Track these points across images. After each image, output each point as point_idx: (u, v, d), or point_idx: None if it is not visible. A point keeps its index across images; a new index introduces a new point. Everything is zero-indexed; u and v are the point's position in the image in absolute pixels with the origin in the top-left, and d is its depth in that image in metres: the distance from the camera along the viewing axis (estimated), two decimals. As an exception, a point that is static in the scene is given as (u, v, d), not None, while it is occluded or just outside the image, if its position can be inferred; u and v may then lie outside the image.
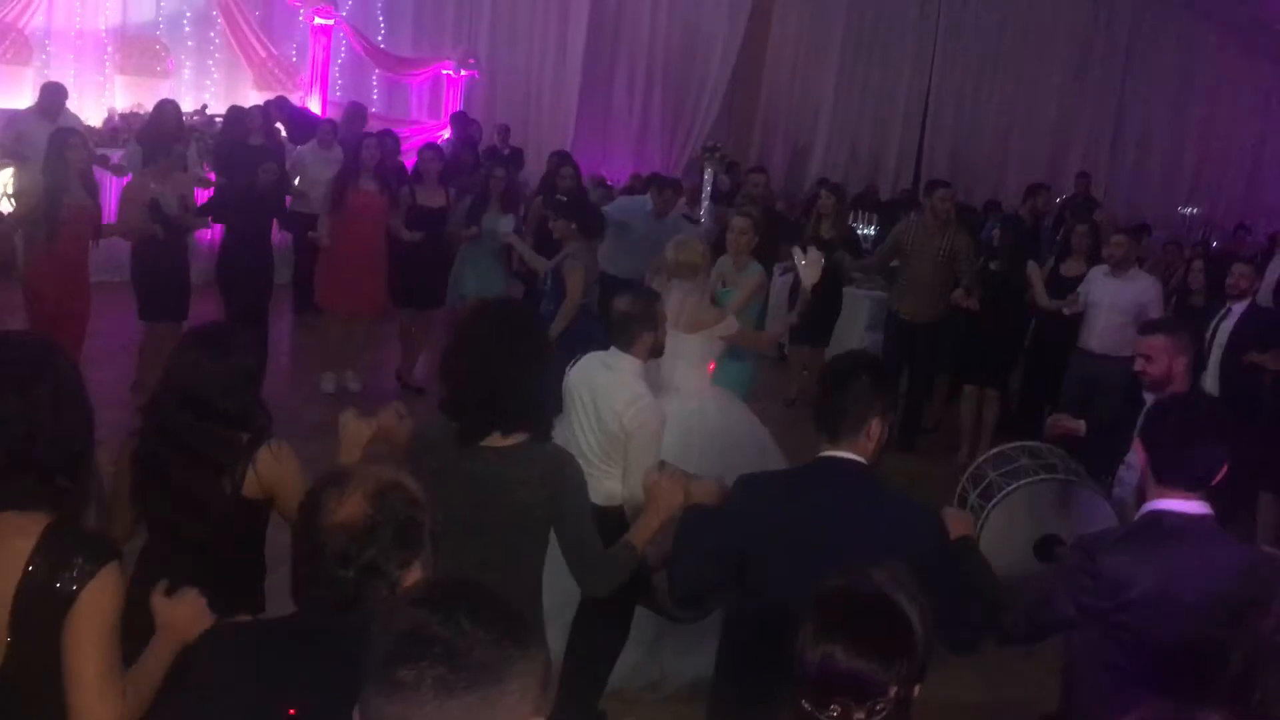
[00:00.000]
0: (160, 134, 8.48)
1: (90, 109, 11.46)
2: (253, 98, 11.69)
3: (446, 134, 13.09)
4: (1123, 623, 2.63)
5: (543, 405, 2.96)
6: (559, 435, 3.22)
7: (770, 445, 4.89)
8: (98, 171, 7.59)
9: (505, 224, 7.98)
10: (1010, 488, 5.11)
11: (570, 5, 14.43)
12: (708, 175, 10.34)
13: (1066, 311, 7.33)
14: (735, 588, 2.81)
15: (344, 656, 1.58)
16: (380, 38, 13.52)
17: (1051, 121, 16.86)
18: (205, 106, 11.68)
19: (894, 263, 8.30)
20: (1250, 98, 17.18)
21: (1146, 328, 4.63)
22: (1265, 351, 6.43)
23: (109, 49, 12.10)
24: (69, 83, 11.63)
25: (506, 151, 12.26)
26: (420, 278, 8.19)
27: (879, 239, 10.33)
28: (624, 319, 3.90)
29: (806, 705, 1.81)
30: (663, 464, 3.36)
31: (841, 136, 16.30)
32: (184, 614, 2.32)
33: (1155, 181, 17.09)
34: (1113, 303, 7.11)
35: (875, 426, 2.75)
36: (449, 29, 13.89)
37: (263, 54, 12.66)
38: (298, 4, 12.75)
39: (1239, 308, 6.70)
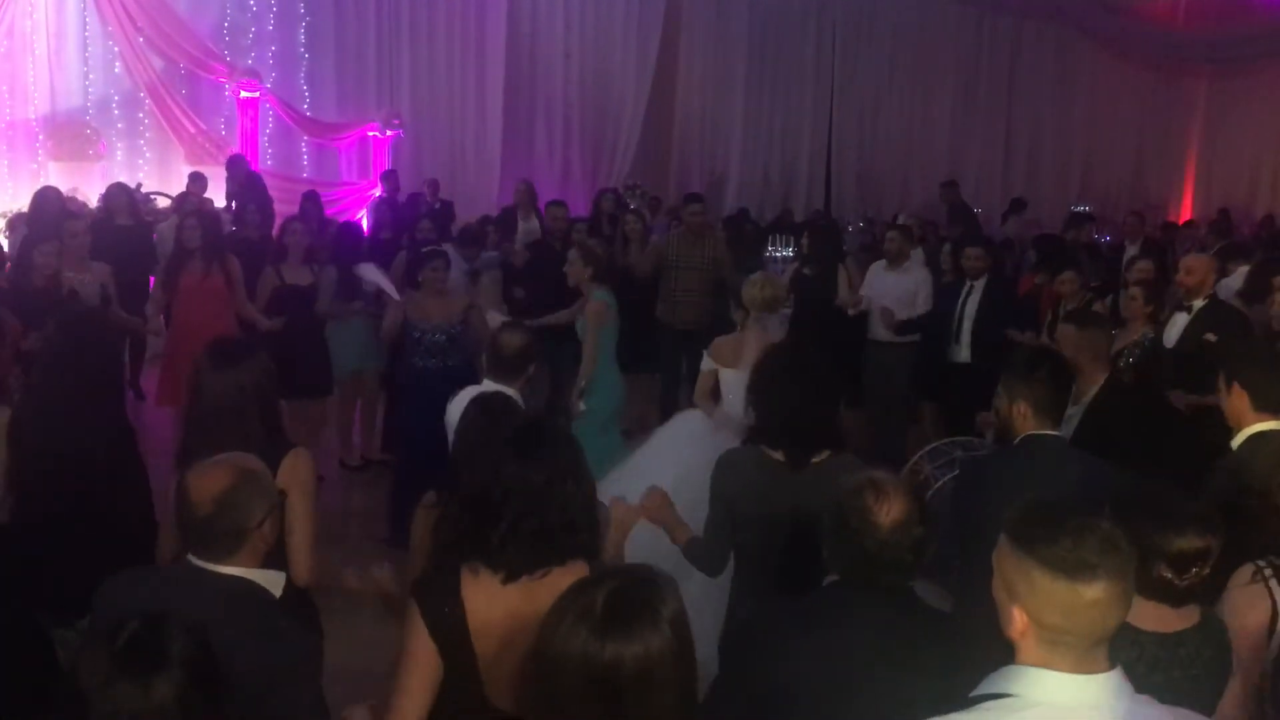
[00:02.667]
0: (42, 223, 7.92)
1: (26, 197, 11.70)
2: (184, 172, 12.02)
3: (377, 192, 13.58)
4: None
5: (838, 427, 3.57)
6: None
7: None
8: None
9: (367, 271, 7.42)
10: (944, 478, 5.58)
11: (486, 61, 14.96)
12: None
13: (851, 312, 8.00)
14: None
15: None
16: (306, 105, 13.94)
17: (948, 135, 17.74)
18: (140, 185, 12.01)
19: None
20: (1128, 99, 18.26)
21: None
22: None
23: (40, 137, 12.39)
24: (2, 173, 11.94)
25: (437, 205, 12.73)
26: (299, 365, 6.75)
27: (798, 258, 10.96)
28: (519, 354, 4.29)
29: (1167, 574, 2.48)
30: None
31: (753, 165, 17.01)
32: None
33: (1048, 183, 18.05)
34: (888, 295, 7.86)
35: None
36: (371, 92, 14.35)
37: (192, 129, 13.03)
38: (223, 79, 13.15)
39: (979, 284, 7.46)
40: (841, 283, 8.22)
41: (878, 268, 8.18)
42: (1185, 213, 17.47)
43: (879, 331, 7.94)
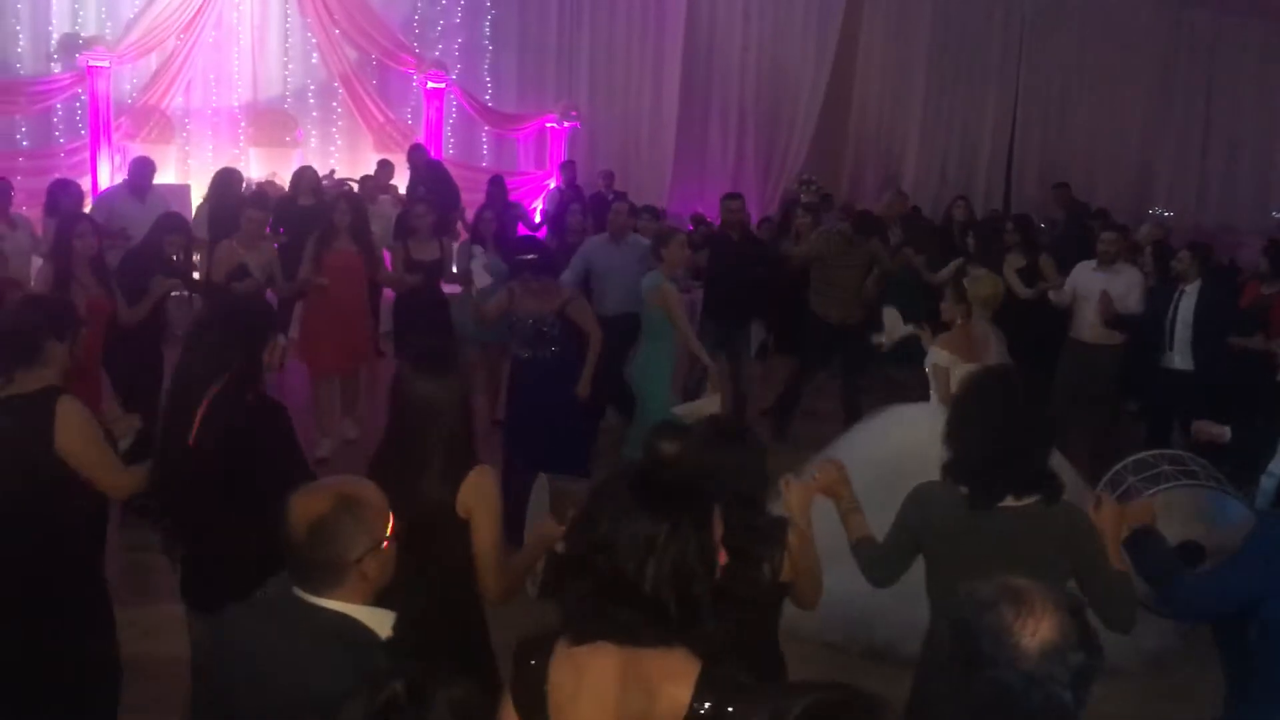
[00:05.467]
0: (222, 204, 9.20)
1: (230, 180, 12.37)
2: (373, 159, 12.49)
3: (553, 183, 13.85)
4: None
5: (1050, 469, 3.05)
6: None
7: None
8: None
9: (478, 262, 7.67)
10: (1150, 492, 5.26)
11: (665, 55, 15.08)
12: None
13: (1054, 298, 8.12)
14: None
15: None
16: (488, 96, 14.31)
17: (1138, 135, 17.02)
18: (333, 171, 12.51)
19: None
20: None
21: None
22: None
23: (242, 124, 13.06)
24: (208, 157, 12.64)
25: (611, 196, 12.88)
26: (417, 329, 7.69)
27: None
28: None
29: None
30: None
31: (930, 163, 16.67)
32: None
33: (1249, 188, 17.12)
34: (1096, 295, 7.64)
35: None
36: (551, 85, 14.64)
37: (380, 118, 13.53)
38: (411, 70, 13.60)
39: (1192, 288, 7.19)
40: (1048, 271, 8.52)
41: (1085, 267, 7.99)
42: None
43: (1084, 331, 7.77)
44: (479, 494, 3.12)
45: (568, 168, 13.31)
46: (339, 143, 13.54)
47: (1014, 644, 1.76)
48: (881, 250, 9.05)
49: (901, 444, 5.12)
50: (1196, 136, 17.21)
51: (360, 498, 2.28)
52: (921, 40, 16.28)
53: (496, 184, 10.82)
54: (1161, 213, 15.08)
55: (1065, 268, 8.37)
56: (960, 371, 5.39)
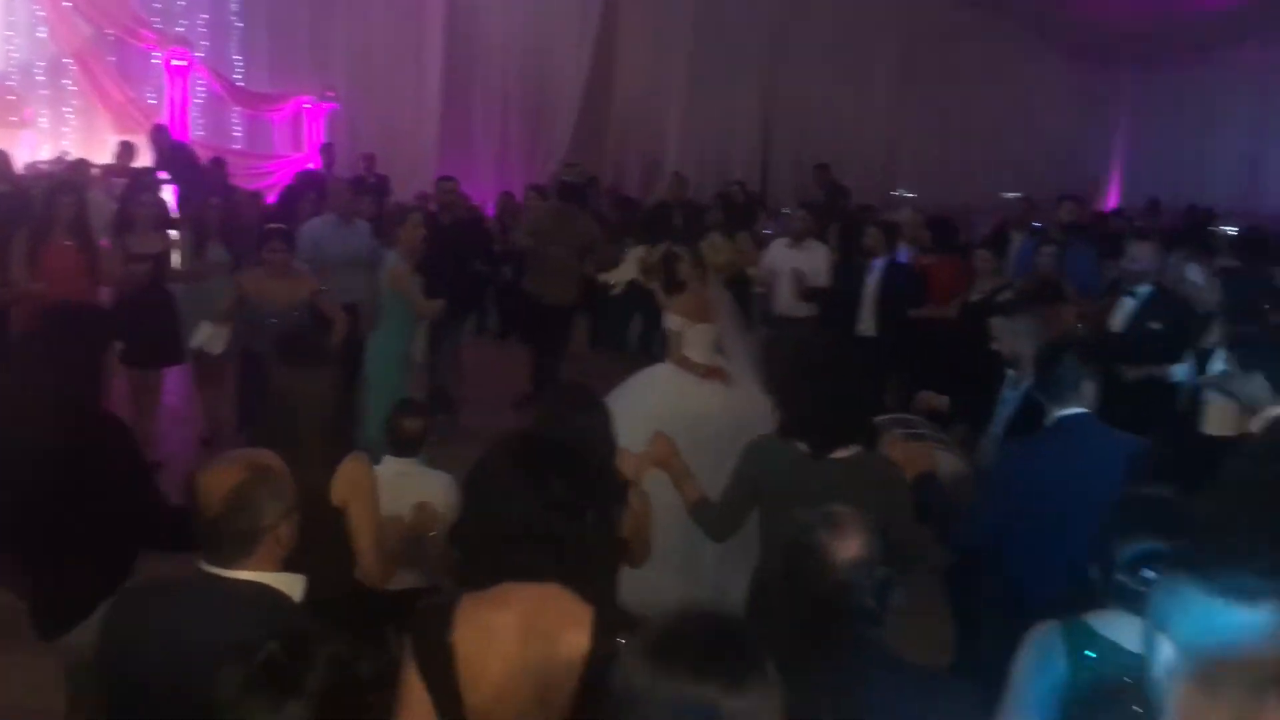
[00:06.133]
0: None
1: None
2: (110, 141, 11.76)
3: (311, 165, 13.41)
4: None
5: (870, 423, 3.58)
6: None
7: None
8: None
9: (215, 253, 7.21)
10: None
11: (425, 36, 14.82)
12: None
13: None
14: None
15: None
16: (237, 75, 13.69)
17: (884, 119, 17.89)
18: (66, 153, 11.71)
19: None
20: (1059, 89, 18.55)
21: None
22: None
23: (-39, 101, 12.04)
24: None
25: (373, 180, 12.59)
26: (141, 333, 6.80)
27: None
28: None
29: None
30: None
31: (690, 147, 17.02)
32: None
33: (981, 171, 18.29)
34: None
35: None
36: (305, 64, 14.14)
37: (119, 98, 12.74)
38: (153, 47, 12.86)
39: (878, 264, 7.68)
40: (746, 249, 8.96)
41: (779, 244, 8.48)
42: (1111, 201, 17.84)
43: (779, 305, 8.21)
44: (353, 484, 3.16)
45: (326, 150, 12.92)
46: (73, 123, 12.66)
47: (828, 558, 2.18)
48: (595, 228, 9.03)
49: (655, 404, 5.28)
50: (936, 121, 18.25)
51: (269, 465, 2.37)
52: (682, 26, 16.55)
53: (217, 166, 10.34)
54: (904, 194, 15.95)
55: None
56: (692, 333, 5.71)
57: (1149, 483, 3.06)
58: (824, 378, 3.41)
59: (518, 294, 9.07)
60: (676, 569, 4.60)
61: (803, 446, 3.36)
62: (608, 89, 16.41)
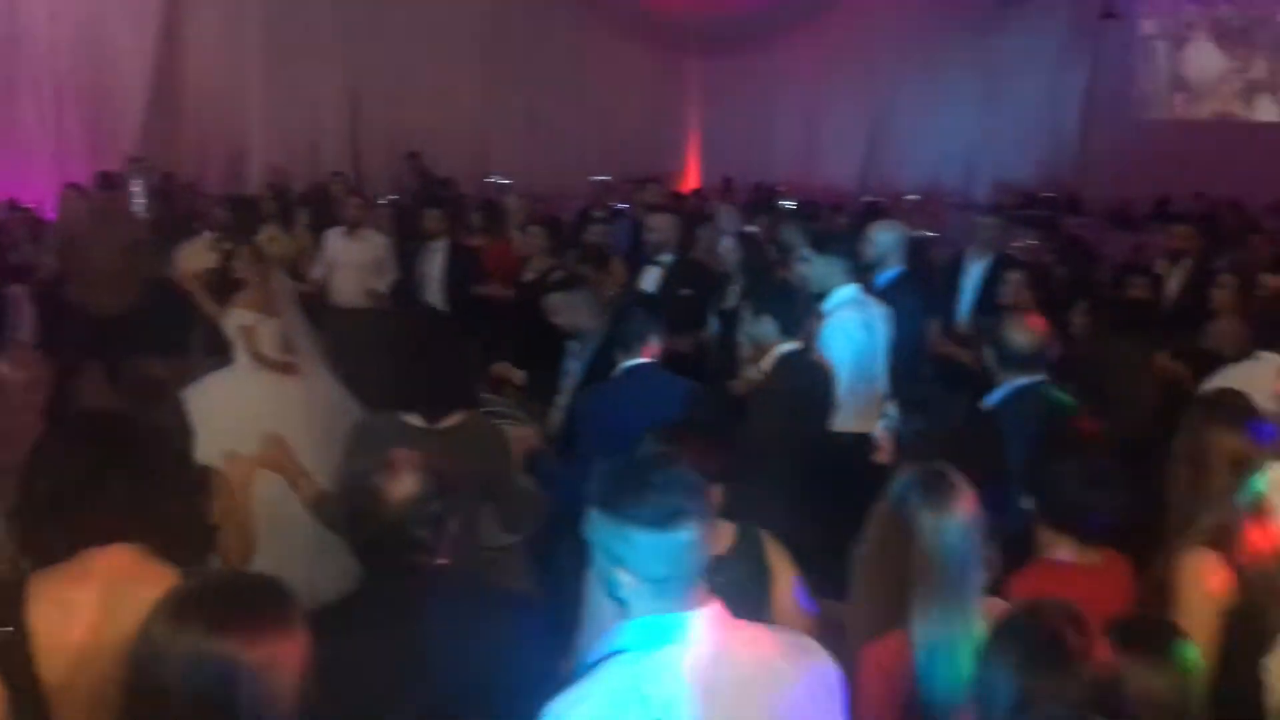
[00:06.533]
0: None
1: None
2: None
3: None
4: None
5: (475, 394, 3.96)
6: None
7: None
8: None
9: None
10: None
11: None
12: None
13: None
14: None
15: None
16: None
17: (473, 105, 17.97)
18: None
19: None
20: (636, 77, 19.48)
21: None
22: None
23: None
24: None
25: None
26: None
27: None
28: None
29: None
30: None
31: (274, 136, 16.27)
32: None
33: (571, 157, 18.85)
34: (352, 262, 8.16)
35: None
36: None
37: None
38: None
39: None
40: (305, 242, 8.98)
41: (335, 234, 8.22)
42: (692, 182, 19.01)
43: (343, 297, 8.01)
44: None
45: None
46: None
47: (381, 498, 2.39)
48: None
49: (244, 406, 5.17)
50: (524, 107, 18.56)
51: None
52: (253, 10, 15.80)
53: None
54: (499, 180, 16.11)
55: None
56: (266, 328, 5.59)
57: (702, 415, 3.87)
58: (429, 350, 3.71)
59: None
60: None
61: (413, 419, 3.59)
62: (180, 79, 15.36)
